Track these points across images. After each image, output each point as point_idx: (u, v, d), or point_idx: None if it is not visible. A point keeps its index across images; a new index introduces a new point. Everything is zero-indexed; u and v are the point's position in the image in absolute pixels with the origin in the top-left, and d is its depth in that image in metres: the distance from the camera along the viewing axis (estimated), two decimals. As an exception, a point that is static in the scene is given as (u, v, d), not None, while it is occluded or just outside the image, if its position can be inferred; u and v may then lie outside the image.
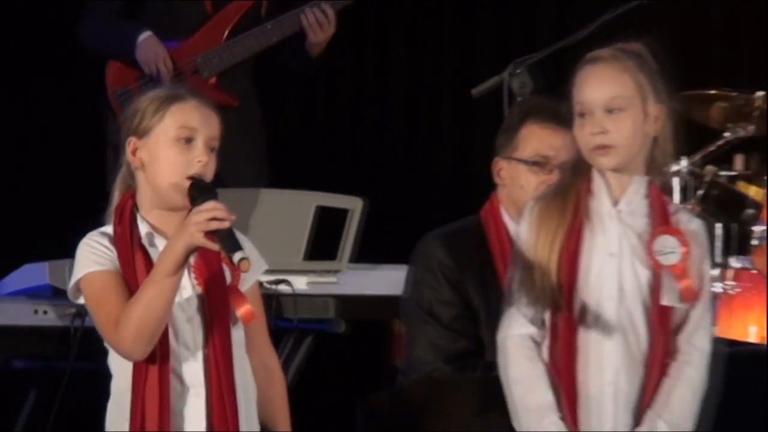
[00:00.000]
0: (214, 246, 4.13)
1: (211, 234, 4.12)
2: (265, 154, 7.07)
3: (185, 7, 6.96)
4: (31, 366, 6.16)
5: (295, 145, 7.51)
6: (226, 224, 4.13)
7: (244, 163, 6.73)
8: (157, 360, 4.24)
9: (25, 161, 7.81)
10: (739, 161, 6.78)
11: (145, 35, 6.86)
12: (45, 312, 5.97)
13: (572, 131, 4.62)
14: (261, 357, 4.47)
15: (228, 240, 4.14)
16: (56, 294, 5.96)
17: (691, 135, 6.59)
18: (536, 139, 5.21)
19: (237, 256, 4.11)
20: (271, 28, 6.90)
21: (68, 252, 5.94)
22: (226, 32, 6.94)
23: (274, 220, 6.03)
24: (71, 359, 5.91)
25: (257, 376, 4.43)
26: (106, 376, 6.02)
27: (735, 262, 6.58)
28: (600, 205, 4.59)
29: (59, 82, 7.81)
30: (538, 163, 5.18)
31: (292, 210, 6.20)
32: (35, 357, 6.11)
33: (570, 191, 4.60)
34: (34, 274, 6.05)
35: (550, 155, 5.14)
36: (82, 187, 7.52)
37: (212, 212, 4.13)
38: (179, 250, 4.15)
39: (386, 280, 6.16)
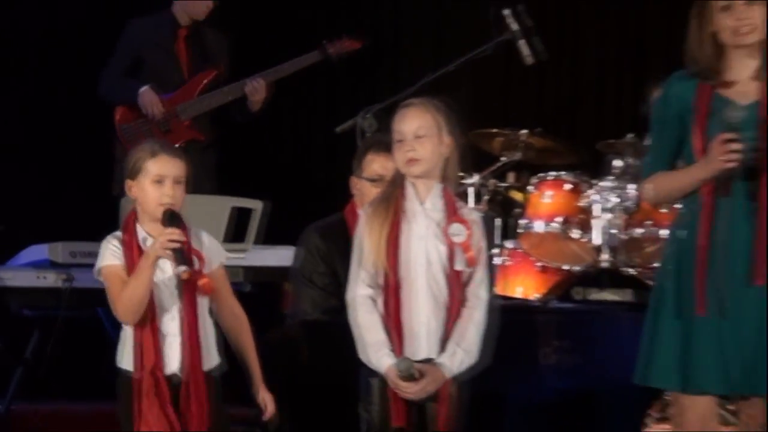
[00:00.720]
0: (171, 258, 4.33)
1: (170, 249, 4.31)
2: (214, 171, 7.15)
3: (169, 73, 7.09)
4: (35, 314, 6.15)
5: (226, 165, 7.46)
6: (177, 245, 4.31)
7: (203, 177, 6.75)
8: (148, 320, 4.37)
9: (33, 166, 7.73)
10: (511, 176, 6.79)
11: (144, 88, 6.98)
12: (45, 277, 5.96)
13: None
14: (230, 308, 4.55)
15: (177, 256, 4.32)
16: (52, 265, 5.99)
17: (480, 158, 6.69)
18: (375, 164, 5.19)
19: (179, 269, 4.33)
20: (226, 90, 7.05)
21: (61, 237, 6.03)
22: (197, 91, 7.07)
23: (206, 215, 6.02)
24: (62, 309, 5.93)
25: (229, 321, 4.54)
26: (85, 321, 6.04)
27: (508, 244, 6.59)
28: (412, 205, 4.56)
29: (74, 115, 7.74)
30: (376, 180, 5.15)
31: (217, 209, 6.24)
32: (38, 307, 6.08)
33: (391, 196, 4.59)
34: (37, 252, 6.07)
35: (385, 174, 5.10)
36: (77, 189, 7.51)
37: (170, 236, 4.32)
38: (152, 256, 4.35)
39: (279, 256, 6.17)
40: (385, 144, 5.08)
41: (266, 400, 4.55)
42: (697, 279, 4.39)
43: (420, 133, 4.54)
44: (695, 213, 4.43)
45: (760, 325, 4.35)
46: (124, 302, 4.36)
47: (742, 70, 4.44)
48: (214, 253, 4.53)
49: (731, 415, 4.82)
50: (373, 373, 4.51)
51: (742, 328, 4.36)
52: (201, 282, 4.39)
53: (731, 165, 4.30)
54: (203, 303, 4.45)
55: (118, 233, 4.46)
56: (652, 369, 4.46)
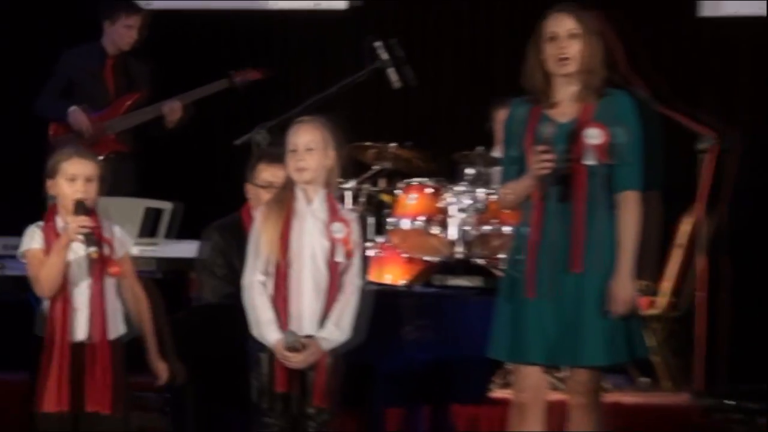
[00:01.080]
0: (82, 241, 4.35)
1: (80, 234, 4.33)
2: (134, 177, 7.08)
3: (98, 95, 7.07)
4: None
5: (145, 172, 7.35)
6: (86, 230, 4.34)
7: (125, 182, 6.76)
8: (62, 294, 4.38)
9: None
10: (382, 182, 6.80)
11: (73, 108, 6.96)
12: (-20, 268, 5.94)
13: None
14: (132, 290, 4.57)
15: (87, 239, 4.35)
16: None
17: (357, 167, 6.67)
18: (265, 172, 5.15)
19: (89, 250, 4.36)
20: (148, 110, 7.05)
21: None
22: (122, 111, 7.07)
23: (123, 214, 6.04)
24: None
25: (131, 301, 4.56)
26: (16, 303, 5.91)
27: (380, 239, 6.58)
28: (301, 206, 4.56)
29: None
30: (266, 187, 5.10)
31: (133, 209, 6.30)
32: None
33: (284, 198, 4.58)
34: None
35: (274, 181, 5.06)
36: (11, 192, 7.38)
37: (80, 222, 4.36)
38: (65, 240, 4.36)
39: (186, 249, 6.12)
40: (273, 155, 5.07)
41: (159, 369, 4.57)
42: (528, 267, 4.44)
43: (310, 146, 4.53)
44: (531, 216, 4.47)
45: (577, 305, 4.41)
46: (42, 279, 4.37)
47: (564, 93, 4.49)
48: (123, 243, 4.55)
49: (560, 382, 4.85)
50: (262, 347, 4.49)
51: (563, 309, 4.41)
52: (110, 267, 4.41)
53: (544, 172, 4.37)
54: (111, 281, 4.47)
55: (40, 222, 4.48)
56: (494, 343, 4.50)
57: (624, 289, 4.39)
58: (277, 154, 5.03)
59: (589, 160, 4.39)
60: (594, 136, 4.39)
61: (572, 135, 4.41)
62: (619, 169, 4.42)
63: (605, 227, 4.43)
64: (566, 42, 4.44)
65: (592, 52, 4.44)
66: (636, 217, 4.43)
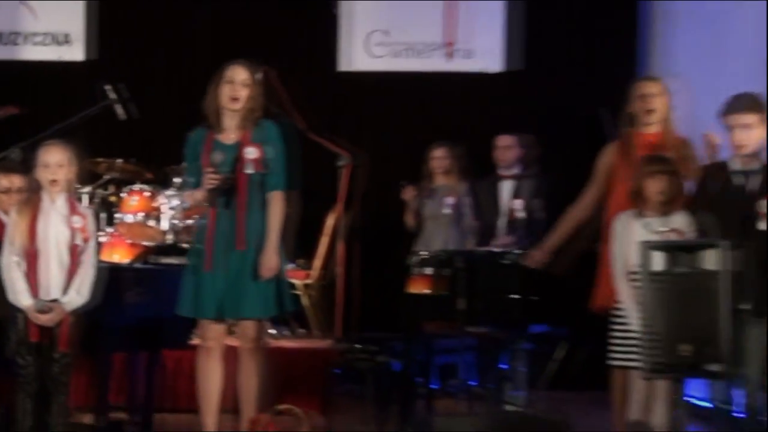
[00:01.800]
0: None
1: None
2: None
3: None
4: None
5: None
6: None
7: None
8: None
9: None
10: (112, 187, 6.70)
11: None
12: None
13: (31, 174, 4.53)
14: None
15: None
16: None
17: (93, 176, 6.57)
18: (3, 180, 4.80)
19: None
20: None
21: None
22: None
23: None
24: None
25: None
26: None
27: (110, 229, 6.50)
28: (46, 205, 4.53)
29: None
30: (4, 192, 4.80)
31: None
32: None
33: (33, 199, 4.55)
34: None
35: (10, 186, 4.77)
36: None
37: None
38: None
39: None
40: (7, 167, 4.96)
41: None
42: (206, 248, 4.66)
43: (60, 163, 4.51)
44: (209, 212, 4.70)
45: (240, 274, 4.62)
46: None
47: (231, 122, 4.73)
48: None
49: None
50: (19, 309, 4.48)
51: (231, 277, 4.65)
52: None
53: (210, 187, 4.62)
54: None
55: None
56: (181, 304, 4.69)
57: (269, 260, 4.65)
58: (9, 165, 4.95)
59: (248, 170, 4.66)
60: (251, 152, 4.68)
61: (236, 153, 4.66)
62: (269, 176, 4.72)
63: (261, 217, 4.70)
64: (239, 87, 4.69)
65: (255, 96, 4.72)
66: (280, 209, 4.71)
